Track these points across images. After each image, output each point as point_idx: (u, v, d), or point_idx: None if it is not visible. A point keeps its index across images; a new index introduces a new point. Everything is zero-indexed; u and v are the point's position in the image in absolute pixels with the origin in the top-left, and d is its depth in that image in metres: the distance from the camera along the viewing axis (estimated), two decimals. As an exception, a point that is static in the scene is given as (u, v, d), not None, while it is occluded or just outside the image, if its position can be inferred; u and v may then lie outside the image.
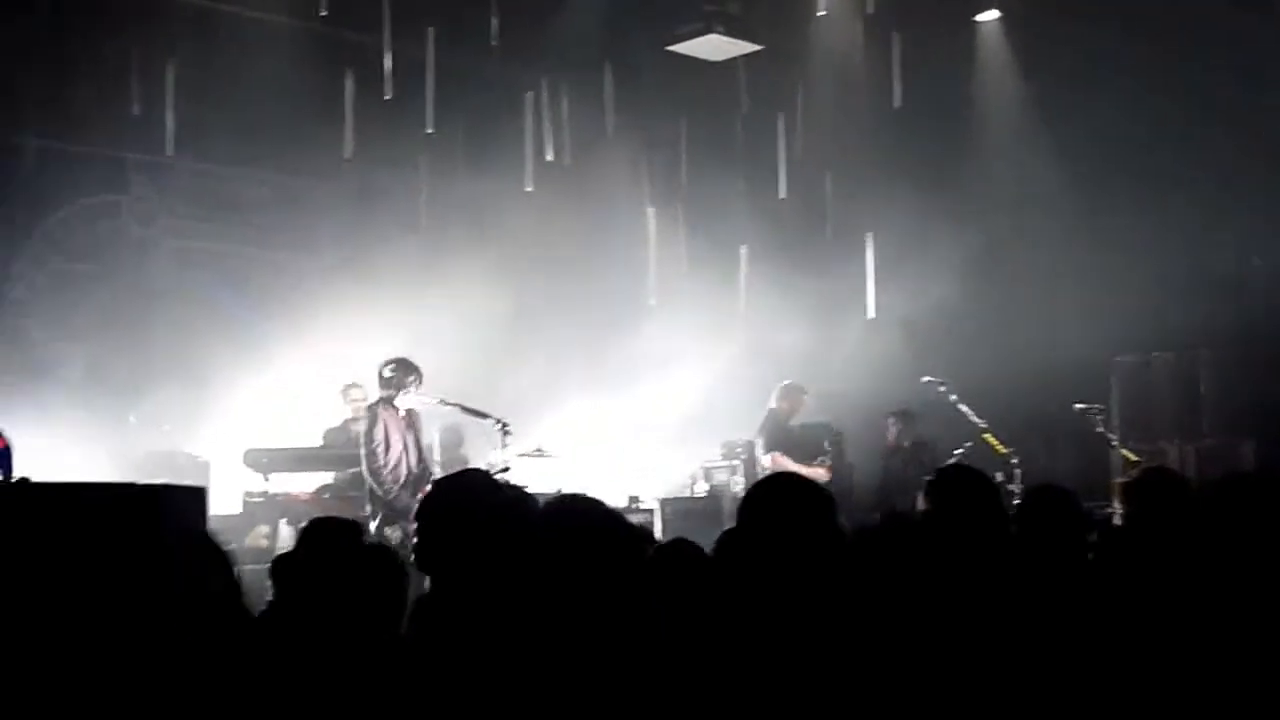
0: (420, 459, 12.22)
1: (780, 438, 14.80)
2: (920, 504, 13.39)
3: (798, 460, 14.48)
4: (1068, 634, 4.95)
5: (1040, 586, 5.35)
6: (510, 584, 4.20)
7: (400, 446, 11.97)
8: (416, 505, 11.67)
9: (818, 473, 14.43)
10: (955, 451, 14.28)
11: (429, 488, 5.18)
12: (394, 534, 11.47)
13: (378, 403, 12.14)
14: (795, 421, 15.08)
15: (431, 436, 14.21)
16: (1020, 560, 5.72)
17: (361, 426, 12.30)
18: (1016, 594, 5.17)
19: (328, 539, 5.97)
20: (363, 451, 12.04)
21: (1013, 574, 5.41)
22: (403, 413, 12.14)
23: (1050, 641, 4.87)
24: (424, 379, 12.21)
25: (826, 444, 14.93)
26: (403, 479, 11.93)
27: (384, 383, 12.13)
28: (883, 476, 15.02)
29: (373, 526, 11.58)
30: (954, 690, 4.32)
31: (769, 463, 14.54)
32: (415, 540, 4.69)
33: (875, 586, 4.54)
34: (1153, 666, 4.62)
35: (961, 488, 6.17)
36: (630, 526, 3.94)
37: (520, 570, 3.77)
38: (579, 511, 3.88)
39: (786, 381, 15.15)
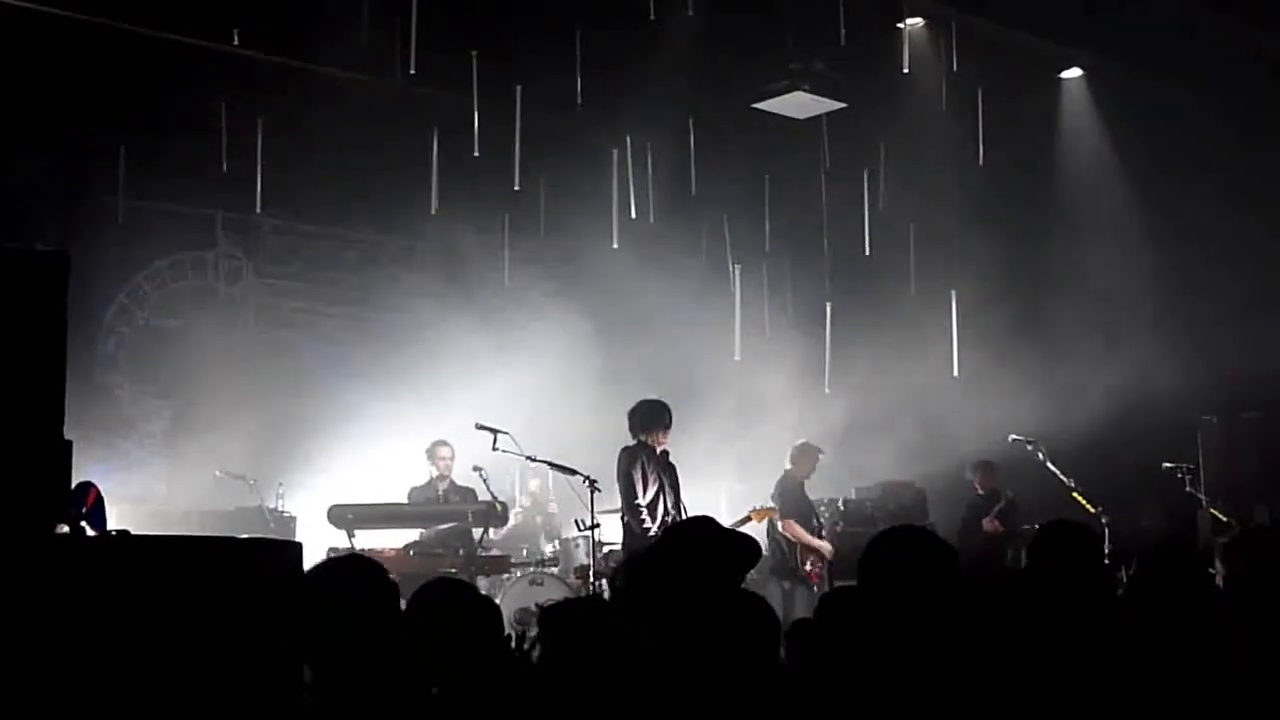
0: (677, 502, 11.95)
1: (795, 503, 14.47)
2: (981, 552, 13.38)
3: (808, 529, 14.39)
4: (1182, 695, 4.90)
5: (1154, 645, 5.26)
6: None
7: (657, 486, 11.81)
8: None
9: (824, 546, 14.30)
10: (1000, 503, 14.46)
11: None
12: None
13: (636, 445, 11.93)
14: (809, 481, 14.79)
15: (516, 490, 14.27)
16: (1136, 618, 5.62)
17: (619, 466, 11.93)
18: (1130, 652, 5.11)
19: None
20: (620, 488, 11.88)
21: (1126, 632, 5.34)
22: (659, 451, 11.98)
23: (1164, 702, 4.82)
24: (672, 419, 12.10)
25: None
26: (659, 518, 11.69)
27: (639, 427, 11.99)
28: (960, 526, 14.94)
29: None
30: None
31: (782, 529, 14.34)
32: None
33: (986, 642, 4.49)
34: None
35: (1067, 542, 6.02)
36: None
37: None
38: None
39: (801, 441, 14.76)
